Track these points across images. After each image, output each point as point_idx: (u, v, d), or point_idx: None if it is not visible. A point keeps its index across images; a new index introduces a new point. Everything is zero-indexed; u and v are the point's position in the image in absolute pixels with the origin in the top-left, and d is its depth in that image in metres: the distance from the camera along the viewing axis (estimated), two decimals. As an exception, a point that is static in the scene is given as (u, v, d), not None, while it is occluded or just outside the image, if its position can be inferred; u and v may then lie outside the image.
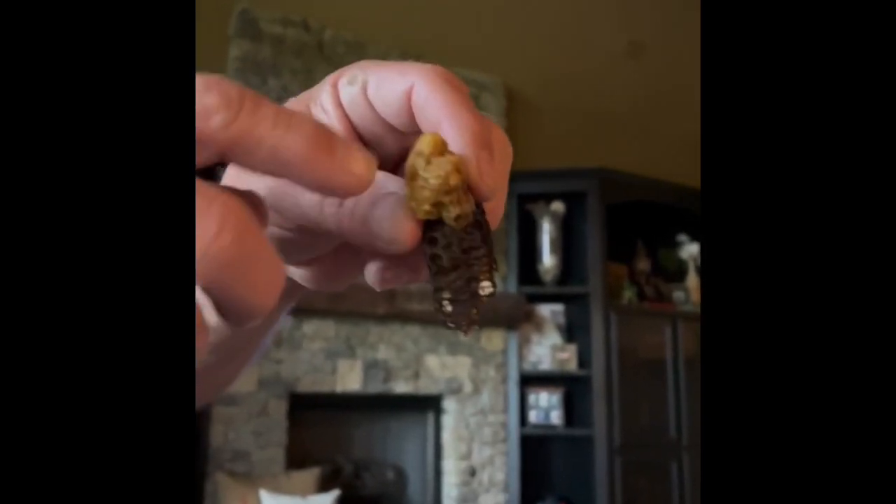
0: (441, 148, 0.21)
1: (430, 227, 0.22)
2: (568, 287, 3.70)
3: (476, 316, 0.23)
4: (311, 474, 2.84)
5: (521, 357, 3.54)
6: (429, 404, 3.35)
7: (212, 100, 0.18)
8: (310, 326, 2.96)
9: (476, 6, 2.95)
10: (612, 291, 3.74)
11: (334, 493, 2.74)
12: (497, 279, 0.23)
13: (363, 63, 0.24)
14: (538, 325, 3.64)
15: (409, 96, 0.23)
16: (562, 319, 3.70)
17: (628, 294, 3.82)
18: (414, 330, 3.20)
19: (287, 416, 2.89)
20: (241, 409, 2.79)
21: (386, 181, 0.23)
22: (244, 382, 2.79)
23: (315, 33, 3.13)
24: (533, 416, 3.53)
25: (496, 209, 0.24)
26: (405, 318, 3.10)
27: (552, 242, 3.68)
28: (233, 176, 0.24)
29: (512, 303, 3.40)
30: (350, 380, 3.04)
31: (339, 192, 0.20)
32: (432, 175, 0.21)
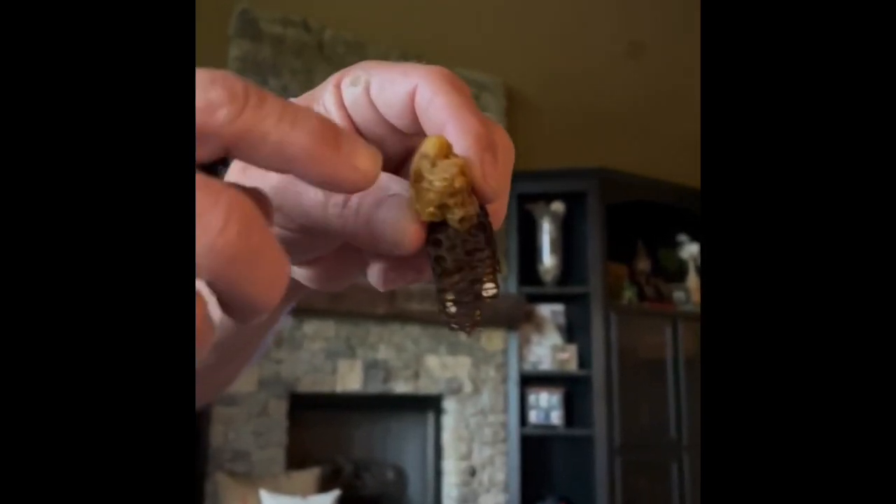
0: (446, 150, 0.21)
1: (434, 228, 0.22)
2: (568, 287, 3.70)
3: (479, 317, 0.23)
4: (311, 474, 2.84)
5: (521, 357, 3.54)
6: (429, 404, 3.35)
7: (217, 94, 0.18)
8: (310, 326, 2.96)
9: (476, 6, 2.95)
10: (613, 291, 3.74)
11: (334, 494, 2.74)
12: (499, 280, 0.24)
13: (366, 64, 0.24)
14: (538, 326, 3.64)
15: (412, 98, 0.23)
16: (562, 319, 3.70)
17: (628, 294, 3.82)
18: (414, 330, 3.20)
19: (287, 416, 2.89)
20: (241, 409, 2.79)
21: (389, 182, 0.23)
22: (244, 382, 2.79)
23: (315, 33, 3.13)
24: (533, 417, 3.53)
25: (499, 210, 0.24)
26: (405, 318, 3.10)
27: (552, 242, 3.68)
28: (236, 176, 0.24)
29: (512, 303, 3.40)
30: (350, 380, 3.04)
31: (344, 187, 0.20)
32: (437, 178, 0.21)
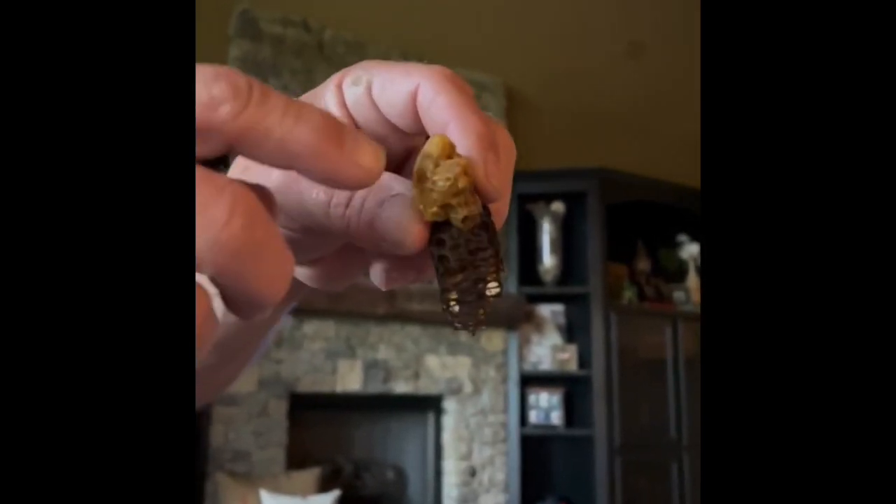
0: (449, 151, 0.21)
1: (438, 228, 0.22)
2: (568, 287, 3.70)
3: (483, 316, 0.23)
4: (311, 474, 2.84)
5: (521, 357, 3.54)
6: (429, 404, 3.35)
7: (220, 90, 0.18)
8: (310, 326, 2.96)
9: (476, 6, 2.95)
10: (613, 291, 3.74)
11: (334, 494, 2.74)
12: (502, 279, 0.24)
13: (367, 63, 0.24)
14: (538, 326, 3.64)
15: (413, 97, 0.23)
16: (562, 319, 3.70)
17: (628, 294, 3.82)
18: (414, 330, 3.20)
19: (287, 416, 2.89)
20: (242, 409, 2.79)
21: (392, 182, 0.23)
22: (244, 382, 2.79)
23: (315, 33, 3.13)
24: (533, 417, 3.53)
25: (501, 210, 0.24)
26: (405, 318, 3.10)
27: (552, 242, 3.68)
28: (236, 177, 0.24)
29: (512, 303, 3.40)
30: (350, 380, 3.04)
31: (347, 184, 0.20)
32: (441, 177, 0.21)
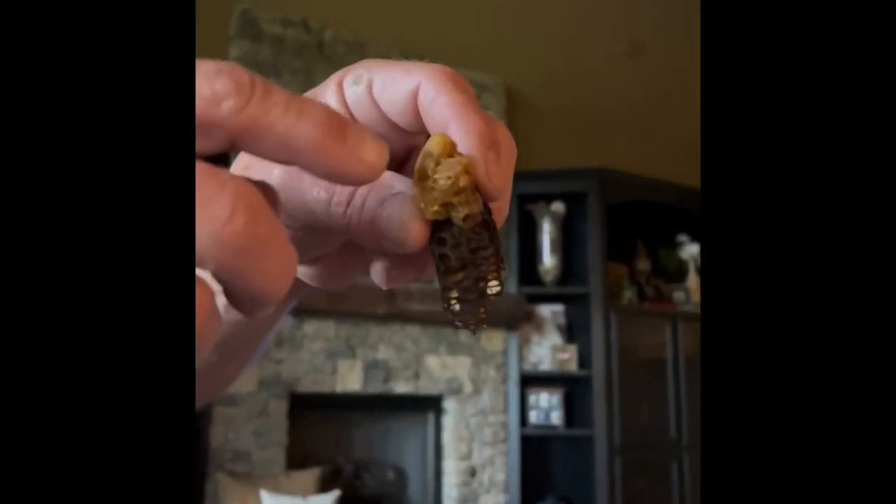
0: (450, 149, 0.21)
1: (439, 227, 0.22)
2: (568, 287, 3.70)
3: (484, 315, 0.23)
4: (311, 474, 2.84)
5: (521, 357, 3.54)
6: (429, 404, 3.35)
7: (223, 85, 0.18)
8: (310, 326, 2.96)
9: (476, 6, 2.95)
10: (613, 292, 3.74)
11: (334, 494, 2.74)
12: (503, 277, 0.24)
13: (368, 62, 0.24)
14: (538, 326, 3.64)
15: (414, 96, 0.23)
16: (562, 320, 3.70)
17: (628, 294, 3.82)
18: (414, 330, 3.20)
19: (287, 417, 2.89)
20: (242, 409, 2.79)
21: (393, 181, 0.23)
22: (244, 382, 2.79)
23: (315, 33, 3.14)
24: (533, 417, 3.53)
25: (502, 208, 0.24)
26: (405, 318, 3.10)
27: (552, 243, 3.68)
28: (240, 173, 0.24)
29: (512, 303, 3.40)
30: (350, 380, 3.04)
31: (350, 179, 0.20)
32: (442, 176, 0.21)
